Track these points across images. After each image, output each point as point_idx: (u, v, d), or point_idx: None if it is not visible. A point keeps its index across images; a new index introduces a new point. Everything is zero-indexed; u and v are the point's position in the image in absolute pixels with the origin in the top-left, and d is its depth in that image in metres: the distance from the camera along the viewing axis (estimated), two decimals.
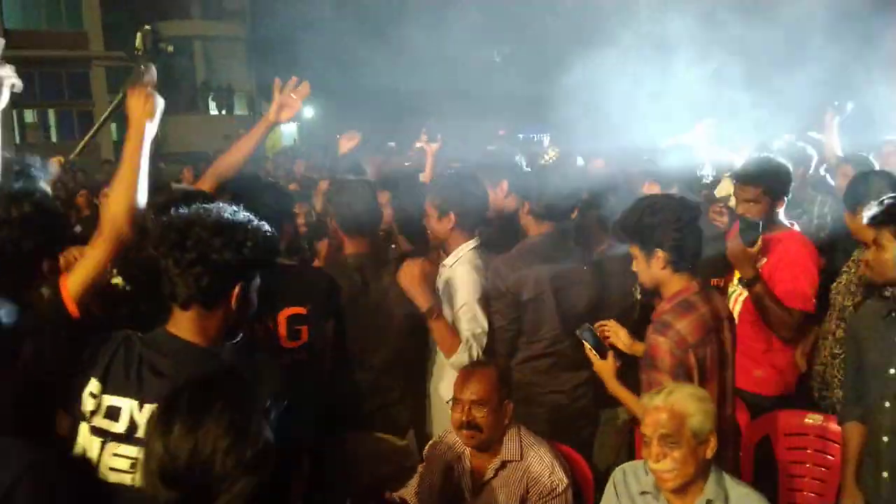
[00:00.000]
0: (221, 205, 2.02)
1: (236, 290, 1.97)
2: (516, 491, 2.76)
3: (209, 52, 33.40)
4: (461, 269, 3.42)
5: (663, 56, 6.85)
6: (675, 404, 2.27)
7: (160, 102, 2.30)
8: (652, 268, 2.69)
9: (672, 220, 2.62)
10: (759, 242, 3.31)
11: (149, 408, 1.84)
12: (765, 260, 3.53)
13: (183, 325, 1.96)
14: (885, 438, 2.56)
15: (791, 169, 3.70)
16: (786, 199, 3.65)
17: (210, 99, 32.92)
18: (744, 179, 3.61)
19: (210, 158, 9.31)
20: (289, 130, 31.38)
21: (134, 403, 1.88)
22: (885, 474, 2.57)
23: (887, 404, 2.55)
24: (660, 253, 2.64)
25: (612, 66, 7.57)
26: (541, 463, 2.77)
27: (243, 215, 2.00)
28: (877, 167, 5.11)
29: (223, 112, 32.54)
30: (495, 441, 2.80)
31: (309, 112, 31.06)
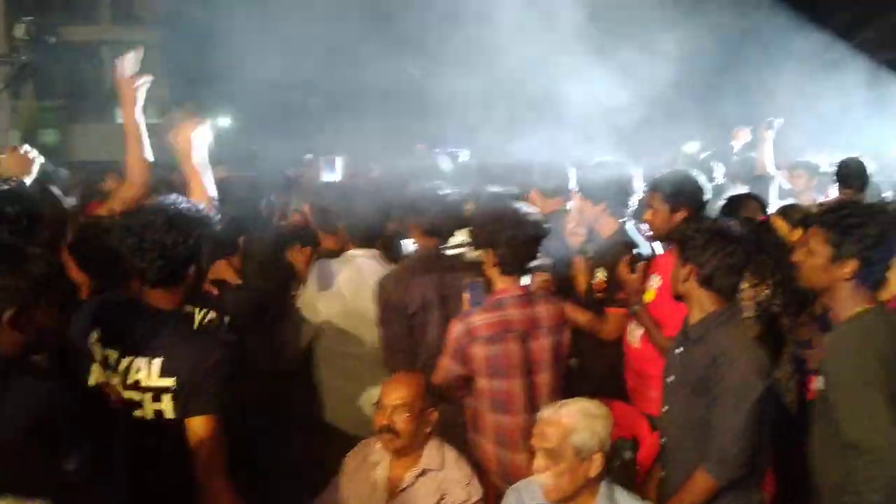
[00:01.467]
0: (170, 201, 2.46)
1: (191, 270, 2.44)
2: (432, 499, 2.77)
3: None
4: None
5: (584, 74, 7.08)
6: (562, 418, 2.33)
7: (144, 90, 3.11)
8: (486, 266, 3.04)
9: (507, 227, 2.93)
10: (640, 267, 3.32)
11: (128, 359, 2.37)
12: (659, 279, 3.44)
13: (154, 297, 2.44)
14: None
15: (701, 182, 3.57)
16: (698, 211, 3.49)
17: (119, 107, 31.75)
18: (650, 190, 3.63)
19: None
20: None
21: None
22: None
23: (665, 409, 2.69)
24: (491, 253, 2.95)
25: (532, 80, 7.74)
26: (458, 472, 2.80)
27: (187, 208, 2.45)
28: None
29: None
30: (416, 448, 2.80)
31: (225, 122, 30.41)
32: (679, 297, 2.69)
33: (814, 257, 2.39)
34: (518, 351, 2.98)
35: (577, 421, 2.34)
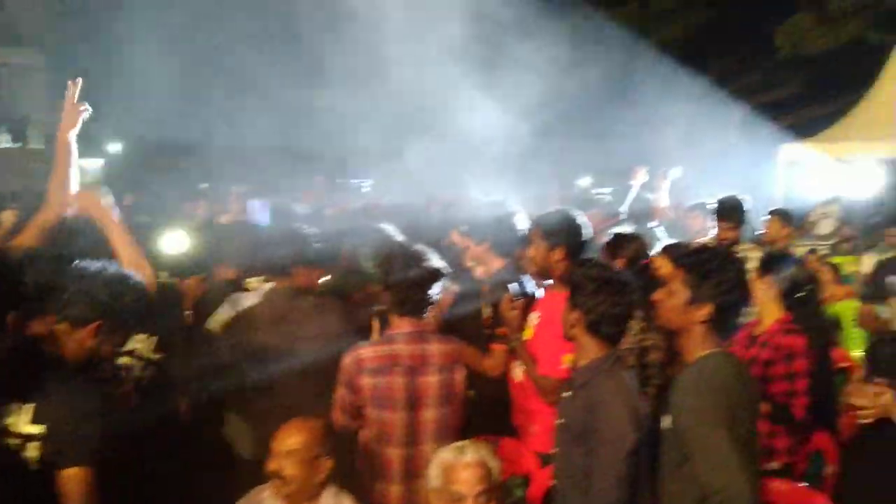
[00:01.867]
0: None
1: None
2: None
3: (2, 81, 30.65)
4: None
5: (478, 112, 7.27)
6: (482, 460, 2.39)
7: (83, 117, 3.23)
8: (384, 303, 3.14)
9: (397, 270, 3.01)
10: (518, 304, 3.37)
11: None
12: (537, 316, 3.46)
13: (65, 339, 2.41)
14: None
15: (581, 220, 3.52)
16: (577, 249, 3.45)
17: (3, 131, 30.11)
18: (531, 228, 3.61)
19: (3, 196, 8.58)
20: (93, 167, 29.27)
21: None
22: None
23: None
24: (386, 293, 3.06)
25: (429, 117, 7.86)
26: None
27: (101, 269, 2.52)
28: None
29: (17, 145, 29.84)
30: (309, 497, 2.74)
31: (115, 147, 29.25)
32: (568, 340, 2.73)
33: (672, 298, 2.43)
34: (403, 384, 3.00)
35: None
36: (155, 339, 3.30)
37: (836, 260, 7.96)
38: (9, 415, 2.25)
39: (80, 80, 3.27)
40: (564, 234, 3.42)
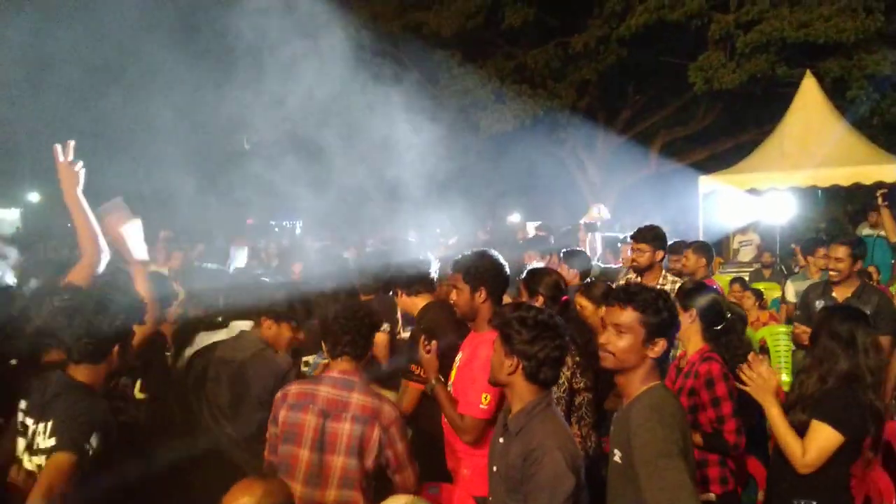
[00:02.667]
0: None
1: (115, 349, 2.78)
2: None
3: None
4: None
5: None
6: None
7: (82, 173, 3.38)
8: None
9: (335, 318, 3.17)
10: (433, 346, 3.39)
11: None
12: (460, 357, 3.48)
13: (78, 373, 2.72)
14: None
15: (500, 262, 3.53)
16: (499, 291, 3.49)
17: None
18: (453, 271, 3.60)
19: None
20: (11, 217, 28.11)
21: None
22: None
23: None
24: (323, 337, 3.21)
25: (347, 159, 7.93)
26: None
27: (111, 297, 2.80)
28: None
29: None
30: None
31: (34, 196, 28.26)
32: (498, 385, 2.73)
33: (626, 338, 2.44)
34: (314, 424, 3.02)
35: None
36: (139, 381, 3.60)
37: (760, 286, 8.29)
38: (37, 434, 2.61)
39: (70, 143, 3.39)
40: (485, 276, 3.43)
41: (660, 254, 4.90)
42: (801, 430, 2.89)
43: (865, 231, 9.08)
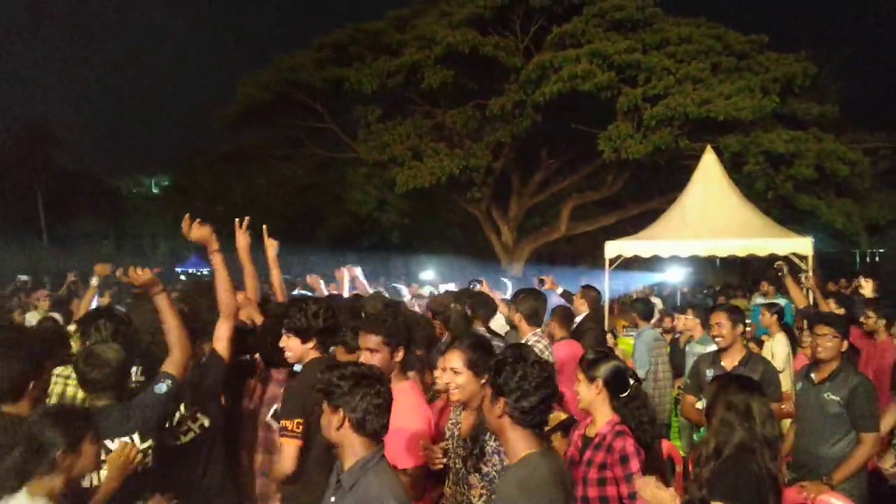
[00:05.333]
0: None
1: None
2: None
3: None
4: None
5: None
6: None
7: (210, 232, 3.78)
8: None
9: None
10: None
11: None
12: None
13: None
14: None
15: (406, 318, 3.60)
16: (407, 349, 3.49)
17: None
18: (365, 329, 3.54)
19: None
20: None
21: None
22: None
23: None
24: None
25: None
26: None
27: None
28: None
29: None
30: None
31: None
32: (331, 444, 2.68)
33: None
34: None
35: None
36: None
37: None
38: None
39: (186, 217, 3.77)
40: (402, 335, 3.44)
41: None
42: None
43: (759, 300, 9.53)
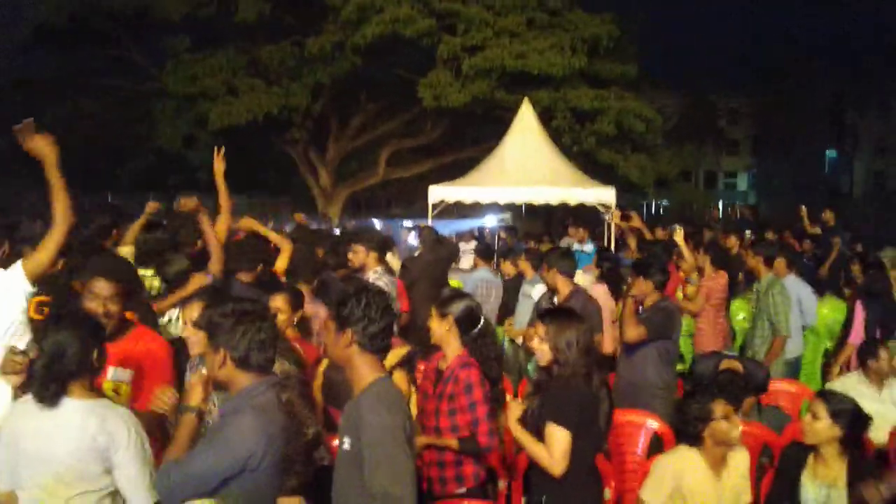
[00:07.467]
0: None
1: None
2: None
3: None
4: None
5: None
6: None
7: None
8: None
9: None
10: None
11: None
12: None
13: None
14: None
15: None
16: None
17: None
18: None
19: None
20: None
21: None
22: None
23: None
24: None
25: None
26: None
27: None
28: None
29: None
30: None
31: None
32: (222, 385, 2.68)
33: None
34: None
35: None
36: None
37: None
38: None
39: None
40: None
41: (373, 254, 5.53)
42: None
43: (574, 245, 10.21)
